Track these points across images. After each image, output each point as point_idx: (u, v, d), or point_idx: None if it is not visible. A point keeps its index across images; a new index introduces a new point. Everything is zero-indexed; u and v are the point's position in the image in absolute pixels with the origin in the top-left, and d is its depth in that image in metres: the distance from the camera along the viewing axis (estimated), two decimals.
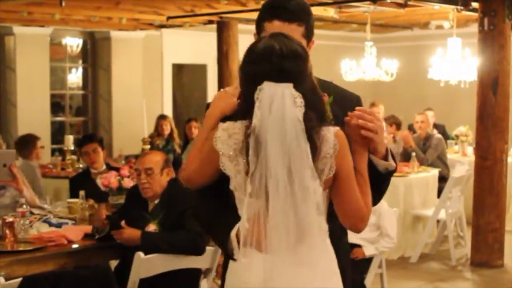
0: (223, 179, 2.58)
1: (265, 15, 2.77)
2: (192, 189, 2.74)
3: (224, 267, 2.79)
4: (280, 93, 2.44)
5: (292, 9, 2.74)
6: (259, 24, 2.79)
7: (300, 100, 2.45)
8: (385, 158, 2.74)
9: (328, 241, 2.58)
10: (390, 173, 2.79)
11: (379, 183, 2.74)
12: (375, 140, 2.64)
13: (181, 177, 2.77)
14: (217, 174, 2.59)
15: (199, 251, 4.74)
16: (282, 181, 2.40)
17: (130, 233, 4.75)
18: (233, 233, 2.57)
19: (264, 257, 2.45)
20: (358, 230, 2.65)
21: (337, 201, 2.57)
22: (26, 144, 8.38)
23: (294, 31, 2.71)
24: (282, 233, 2.43)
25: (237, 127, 2.52)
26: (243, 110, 2.53)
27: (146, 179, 4.98)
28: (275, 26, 2.71)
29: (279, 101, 2.43)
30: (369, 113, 2.64)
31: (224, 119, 2.67)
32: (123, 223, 4.77)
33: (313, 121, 2.47)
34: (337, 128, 2.55)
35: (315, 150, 2.46)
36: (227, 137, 2.52)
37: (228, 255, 2.61)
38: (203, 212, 2.80)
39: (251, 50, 2.54)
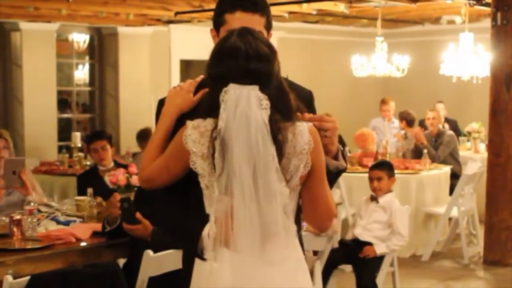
0: (184, 178, 2.59)
1: (227, 6, 2.73)
2: (148, 190, 2.72)
3: (186, 267, 2.75)
4: (246, 95, 2.44)
5: (255, 0, 2.72)
6: (220, 17, 2.74)
7: (266, 102, 2.45)
8: (336, 157, 2.77)
9: (296, 240, 2.58)
10: (339, 172, 2.82)
11: (328, 182, 2.72)
12: (326, 142, 2.67)
13: (140, 177, 2.73)
14: (182, 173, 2.59)
15: None
16: (247, 184, 2.41)
17: (141, 229, 4.73)
18: (205, 232, 2.54)
19: (231, 255, 2.46)
20: (324, 229, 2.68)
21: (309, 198, 2.58)
22: (146, 137, 8.58)
23: (256, 22, 2.70)
24: (247, 234, 2.45)
25: (208, 124, 2.50)
26: (209, 108, 2.52)
27: None
28: (237, 17, 2.69)
29: (245, 104, 2.43)
30: (318, 118, 2.67)
31: (182, 116, 2.66)
32: (138, 215, 4.74)
33: (279, 122, 2.48)
34: (311, 124, 2.57)
35: (281, 152, 2.47)
36: (198, 135, 2.50)
37: (197, 255, 2.59)
38: (166, 213, 2.76)
39: (217, 50, 2.53)
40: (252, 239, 2.45)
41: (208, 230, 2.51)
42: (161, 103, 2.80)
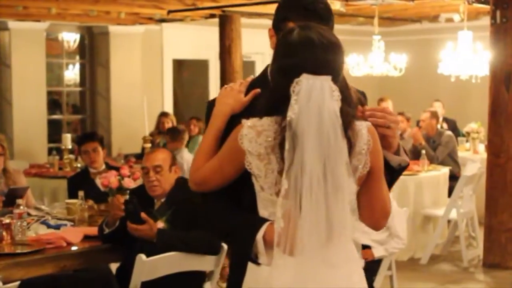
0: (235, 181, 2.59)
1: (292, 14, 2.73)
2: (199, 193, 2.72)
3: (234, 271, 2.79)
4: (319, 85, 2.42)
5: (322, 13, 2.72)
6: (282, 22, 2.74)
7: (337, 94, 2.44)
8: (397, 152, 2.77)
9: (351, 241, 2.59)
10: (402, 169, 2.82)
11: (392, 179, 2.76)
12: (389, 134, 2.68)
13: (192, 180, 2.70)
14: (236, 174, 2.58)
15: (216, 251, 4.78)
16: (316, 177, 2.39)
17: (147, 229, 4.71)
18: (259, 236, 2.53)
19: (295, 259, 2.44)
20: (379, 228, 2.68)
21: (367, 198, 2.58)
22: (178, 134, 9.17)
23: None
24: (313, 233, 2.42)
25: (265, 123, 2.49)
26: (272, 105, 2.50)
27: (155, 177, 4.99)
28: None
29: (318, 94, 2.41)
30: (380, 110, 2.68)
31: (234, 116, 2.67)
32: (143, 215, 4.73)
33: (349, 116, 2.48)
34: (369, 123, 2.58)
35: (350, 147, 2.47)
36: (255, 134, 2.48)
37: (252, 260, 2.58)
38: (216, 217, 2.75)
39: (287, 42, 2.50)
40: (318, 239, 2.43)
41: (263, 234, 2.52)
42: (211, 104, 2.81)
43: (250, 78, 2.84)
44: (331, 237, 2.45)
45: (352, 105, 2.52)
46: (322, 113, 2.39)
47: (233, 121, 2.67)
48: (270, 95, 2.55)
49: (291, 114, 2.40)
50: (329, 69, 2.45)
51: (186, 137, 9.72)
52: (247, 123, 2.51)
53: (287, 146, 2.40)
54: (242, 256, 2.69)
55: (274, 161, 2.47)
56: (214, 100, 2.83)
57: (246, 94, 2.76)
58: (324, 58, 2.45)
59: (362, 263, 2.62)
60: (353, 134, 2.49)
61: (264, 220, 2.55)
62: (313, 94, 2.41)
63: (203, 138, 2.72)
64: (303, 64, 2.44)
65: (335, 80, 2.46)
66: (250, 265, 2.61)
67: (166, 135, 9.57)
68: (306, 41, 2.46)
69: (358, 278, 2.58)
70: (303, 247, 2.42)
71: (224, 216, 2.70)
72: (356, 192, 2.52)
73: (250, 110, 2.67)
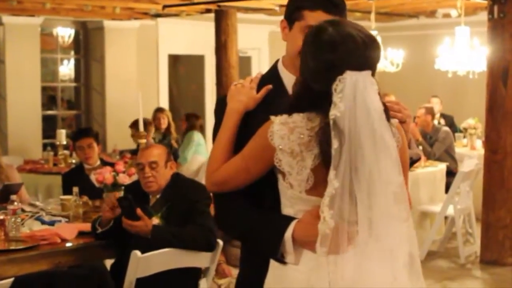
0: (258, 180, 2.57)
1: (307, 2, 2.71)
2: (214, 194, 2.70)
3: (246, 269, 2.80)
4: (362, 81, 2.40)
5: (337, 2, 2.73)
6: (297, 11, 2.72)
7: (376, 88, 2.44)
8: (409, 146, 2.78)
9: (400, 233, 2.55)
10: (414, 162, 2.85)
11: None
12: (405, 128, 2.68)
13: (212, 181, 2.65)
14: (263, 173, 2.55)
15: (211, 247, 4.78)
16: (373, 175, 2.38)
17: (142, 225, 4.71)
18: (288, 234, 2.50)
19: (354, 256, 2.42)
20: None
21: None
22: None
23: None
24: (363, 229, 2.40)
25: (297, 120, 2.47)
26: (304, 102, 2.48)
27: (151, 173, 4.98)
28: (317, 16, 2.65)
29: (363, 91, 2.39)
30: (395, 103, 2.71)
31: (248, 113, 2.67)
32: (138, 211, 4.72)
33: (388, 111, 2.49)
34: (396, 120, 2.58)
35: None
36: (287, 131, 2.46)
37: (278, 259, 2.54)
38: (237, 216, 2.70)
39: (325, 39, 2.45)
40: (364, 237, 2.41)
41: (292, 232, 2.48)
42: (222, 101, 2.79)
43: (260, 74, 2.82)
44: (377, 233, 2.42)
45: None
46: (369, 110, 2.38)
47: (247, 118, 2.68)
48: (302, 92, 2.52)
49: (335, 112, 2.37)
50: (370, 65, 2.45)
51: (152, 129, 9.78)
52: (277, 119, 2.49)
53: (335, 145, 2.37)
54: (255, 254, 2.68)
55: (307, 158, 2.45)
56: (224, 96, 2.80)
57: (257, 90, 2.74)
58: (365, 54, 2.44)
59: (406, 259, 2.58)
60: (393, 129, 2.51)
61: (291, 218, 2.52)
62: (358, 92, 2.39)
63: (218, 137, 2.69)
64: (347, 60, 2.42)
65: (373, 74, 2.46)
66: (273, 265, 2.57)
67: (131, 127, 9.51)
68: (348, 37, 2.44)
69: (401, 276, 2.54)
70: (362, 243, 2.41)
71: (246, 215, 2.67)
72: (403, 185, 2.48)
73: (263, 107, 2.67)
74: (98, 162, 6.94)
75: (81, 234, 5.01)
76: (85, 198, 5.97)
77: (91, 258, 5.08)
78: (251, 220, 2.64)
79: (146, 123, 9.36)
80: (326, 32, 2.47)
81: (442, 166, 9.23)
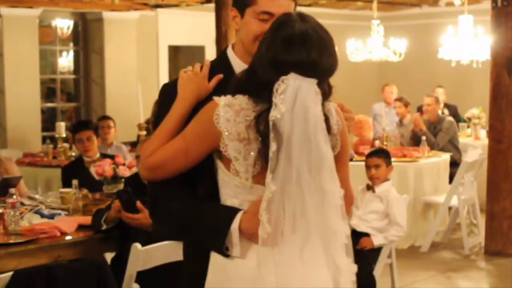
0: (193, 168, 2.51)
1: None
2: (151, 181, 2.62)
3: (190, 266, 2.73)
4: (306, 88, 2.37)
5: None
6: (249, 1, 2.63)
7: (320, 98, 2.40)
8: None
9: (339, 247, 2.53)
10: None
11: None
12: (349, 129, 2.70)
13: (145, 165, 2.56)
14: (201, 157, 2.50)
15: None
16: (304, 179, 2.35)
17: (142, 218, 4.70)
18: (235, 225, 2.45)
19: (273, 254, 2.41)
20: (346, 215, 2.65)
21: None
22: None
23: (287, 6, 2.62)
24: (298, 235, 2.40)
25: (243, 102, 2.44)
26: (248, 88, 2.46)
27: None
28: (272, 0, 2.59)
29: (305, 97, 2.36)
30: (340, 106, 2.66)
31: (198, 103, 2.60)
32: (138, 204, 4.71)
33: (328, 120, 2.46)
34: (335, 104, 2.56)
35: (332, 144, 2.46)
36: (233, 114, 2.43)
37: (221, 252, 2.48)
38: (175, 207, 2.60)
39: (285, 36, 2.42)
40: (301, 241, 2.40)
41: (238, 224, 2.44)
42: (168, 88, 2.73)
43: (208, 61, 2.75)
44: (313, 238, 2.41)
45: (326, 98, 2.50)
46: (308, 116, 2.36)
47: (196, 107, 2.60)
48: (248, 78, 2.49)
49: (276, 114, 2.35)
50: (319, 72, 2.41)
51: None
52: (222, 101, 2.45)
53: (273, 147, 2.35)
54: (199, 249, 2.60)
55: (254, 141, 2.42)
56: (170, 83, 2.74)
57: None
58: (317, 61, 2.40)
59: (353, 268, 2.54)
60: (332, 138, 2.48)
61: (237, 209, 2.47)
62: (299, 96, 2.36)
63: (162, 125, 2.60)
64: (297, 63, 2.39)
65: (321, 83, 2.42)
66: (214, 261, 2.52)
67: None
68: (306, 39, 2.41)
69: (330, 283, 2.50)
70: (286, 246, 2.39)
71: (186, 206, 2.58)
72: (342, 197, 2.45)
73: (213, 96, 2.57)
74: (98, 155, 6.94)
75: (81, 227, 5.00)
76: (85, 191, 5.96)
77: (91, 251, 5.07)
78: (192, 212, 2.56)
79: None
80: (289, 27, 2.43)
81: (446, 157, 9.22)
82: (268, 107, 2.39)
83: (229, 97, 2.46)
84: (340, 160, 2.54)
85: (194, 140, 2.49)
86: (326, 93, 2.47)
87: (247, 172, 2.44)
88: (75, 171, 6.60)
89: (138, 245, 4.49)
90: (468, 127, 11.42)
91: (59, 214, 5.37)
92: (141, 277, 4.58)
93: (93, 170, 6.39)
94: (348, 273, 2.50)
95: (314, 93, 2.39)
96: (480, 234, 8.60)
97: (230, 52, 2.76)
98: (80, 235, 4.89)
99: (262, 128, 2.39)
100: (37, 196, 6.11)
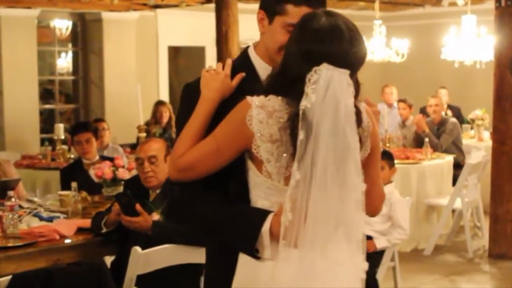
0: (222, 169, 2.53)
1: None
2: (180, 182, 2.61)
3: (212, 267, 2.76)
4: (338, 79, 2.40)
5: None
6: (279, 4, 2.66)
7: (352, 90, 2.43)
8: None
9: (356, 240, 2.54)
10: None
11: None
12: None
13: (176, 166, 2.58)
14: (233, 158, 2.51)
15: None
16: (328, 172, 2.37)
17: (142, 221, 4.69)
18: (266, 228, 2.46)
19: (298, 253, 2.41)
20: (377, 214, 2.67)
21: (367, 183, 2.53)
22: None
23: None
24: (319, 228, 2.40)
25: (276, 103, 2.45)
26: (280, 86, 2.48)
27: (150, 168, 4.97)
28: (302, 12, 2.60)
29: (336, 87, 2.39)
30: (365, 101, 2.68)
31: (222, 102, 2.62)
32: (138, 207, 4.71)
33: (359, 114, 2.48)
34: (365, 104, 2.58)
35: (360, 143, 2.48)
36: (266, 115, 2.43)
37: (252, 254, 2.50)
38: (205, 209, 2.62)
39: (315, 28, 2.46)
40: (323, 234, 2.40)
41: (269, 227, 2.45)
42: (190, 87, 2.75)
43: (230, 61, 2.76)
44: (336, 234, 2.43)
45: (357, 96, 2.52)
46: (339, 107, 2.38)
47: (220, 106, 2.63)
48: (280, 75, 2.51)
49: (306, 103, 2.37)
50: (350, 63, 2.45)
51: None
52: (255, 102, 2.46)
53: (301, 136, 2.37)
54: (221, 250, 2.64)
55: (287, 143, 2.43)
56: (192, 83, 2.76)
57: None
58: (349, 52, 2.44)
59: (364, 265, 2.56)
60: (362, 131, 2.50)
61: (267, 212, 2.49)
62: (331, 86, 2.39)
63: (189, 124, 2.61)
64: (329, 53, 2.42)
65: (352, 75, 2.45)
66: (243, 262, 2.54)
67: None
68: (336, 30, 2.45)
69: (355, 278, 2.52)
70: (308, 241, 2.39)
71: (216, 208, 2.60)
72: (364, 192, 2.47)
73: (237, 95, 2.62)
74: (97, 157, 6.94)
75: (80, 230, 5.00)
76: (84, 194, 5.96)
77: (91, 255, 5.07)
78: (223, 213, 2.58)
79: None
80: (318, 21, 2.47)
81: (449, 158, 9.21)
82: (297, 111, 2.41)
83: (261, 97, 2.47)
84: (372, 161, 2.59)
85: (225, 141, 2.50)
86: (356, 87, 2.50)
87: (279, 174, 2.46)
88: (74, 174, 6.59)
89: (138, 249, 4.49)
90: (472, 128, 11.42)
91: (58, 217, 5.37)
92: (141, 281, 4.58)
93: (92, 172, 6.40)
94: (360, 270, 2.52)
95: (346, 84, 2.41)
96: (484, 237, 8.59)
97: (251, 52, 2.79)
98: (80, 239, 4.89)
99: (296, 129, 2.41)
100: (35, 199, 6.11)
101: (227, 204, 2.60)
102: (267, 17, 2.70)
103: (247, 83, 2.68)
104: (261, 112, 2.44)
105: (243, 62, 2.78)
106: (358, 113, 2.46)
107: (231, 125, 2.50)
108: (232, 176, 2.57)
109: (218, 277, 2.71)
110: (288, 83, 2.45)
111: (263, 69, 2.72)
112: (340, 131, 2.37)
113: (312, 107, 2.36)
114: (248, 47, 2.81)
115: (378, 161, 2.63)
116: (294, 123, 2.40)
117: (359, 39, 2.49)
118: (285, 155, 2.43)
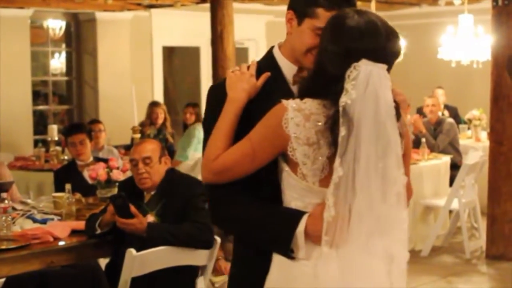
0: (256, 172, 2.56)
1: (323, 0, 2.65)
2: (212, 184, 2.64)
3: (239, 266, 2.79)
4: (377, 73, 2.44)
5: (353, 2, 2.70)
6: (310, 7, 2.66)
7: (389, 84, 2.47)
8: None
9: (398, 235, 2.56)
10: None
11: None
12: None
13: (210, 169, 2.60)
14: (268, 161, 2.54)
15: (208, 244, 4.77)
16: (371, 167, 2.39)
17: (136, 223, 4.69)
18: (301, 229, 2.49)
19: (340, 252, 2.43)
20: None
21: None
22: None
23: None
24: (363, 224, 2.42)
25: (313, 106, 2.47)
26: (317, 87, 2.49)
27: (145, 169, 4.96)
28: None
29: (376, 82, 2.42)
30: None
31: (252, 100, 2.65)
32: (133, 209, 4.70)
33: (398, 108, 2.50)
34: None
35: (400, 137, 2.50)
36: (303, 118, 2.45)
37: (286, 255, 2.52)
38: (238, 210, 2.64)
39: (350, 25, 2.48)
40: (366, 230, 2.42)
41: (305, 227, 2.47)
42: (216, 89, 2.78)
43: (255, 61, 2.80)
44: (378, 228, 2.45)
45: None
46: (379, 102, 2.41)
47: (247, 106, 2.66)
48: (316, 77, 2.53)
49: (346, 99, 2.39)
50: (388, 59, 2.49)
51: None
52: (291, 105, 2.48)
53: (343, 132, 2.39)
54: (251, 253, 2.66)
55: (324, 146, 2.45)
56: (217, 85, 2.79)
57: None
58: (386, 47, 2.49)
59: (407, 256, 2.59)
60: (401, 125, 2.53)
61: (302, 212, 2.51)
62: (370, 81, 2.41)
63: (218, 125, 2.64)
64: (369, 49, 2.45)
65: (388, 68, 2.50)
66: (278, 261, 2.56)
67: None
68: (373, 26, 2.48)
69: (399, 275, 2.56)
70: (352, 236, 2.42)
71: (249, 209, 2.63)
72: (405, 185, 2.50)
73: (263, 94, 2.67)
74: (91, 158, 6.94)
75: (74, 232, 5.00)
76: (78, 196, 5.96)
77: (85, 257, 5.07)
78: (256, 214, 2.61)
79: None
80: (352, 18, 2.49)
81: (446, 159, 9.23)
82: (338, 108, 2.43)
83: (297, 100, 2.49)
84: (406, 161, 2.59)
85: (261, 144, 2.52)
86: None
87: (315, 176, 2.48)
88: (68, 175, 6.58)
89: (132, 251, 4.50)
90: (469, 128, 11.43)
91: (52, 219, 5.37)
92: (136, 283, 4.58)
93: (86, 174, 6.39)
94: (403, 260, 2.55)
95: (384, 78, 2.45)
96: (481, 237, 8.60)
97: (276, 52, 2.80)
98: (73, 241, 4.89)
99: (336, 127, 2.42)
100: (29, 201, 6.11)
101: (260, 205, 2.62)
102: (296, 18, 2.71)
103: (272, 83, 2.71)
104: (298, 115, 2.45)
105: (268, 62, 2.80)
106: (397, 107, 2.48)
107: (267, 128, 2.52)
108: (264, 177, 2.58)
109: (244, 278, 2.74)
110: (325, 84, 2.47)
111: (289, 69, 2.74)
112: (381, 125, 2.40)
113: (353, 103, 2.39)
114: (273, 47, 2.83)
115: (408, 163, 2.65)
116: (334, 122, 2.42)
117: (395, 33, 2.54)
118: (320, 158, 2.46)
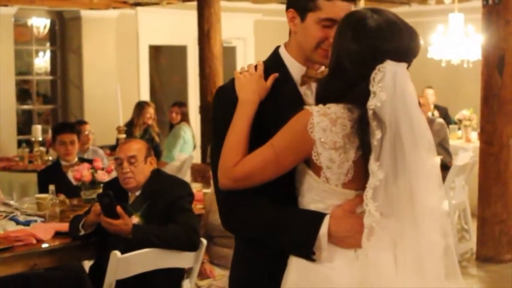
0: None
1: None
2: (226, 190, 2.62)
3: (239, 268, 2.78)
4: (401, 73, 2.47)
5: None
6: (311, 2, 2.65)
7: (410, 81, 2.51)
8: None
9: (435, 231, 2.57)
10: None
11: None
12: None
13: (231, 176, 2.57)
14: (292, 166, 2.54)
15: (194, 246, 4.75)
16: (413, 163, 2.42)
17: (122, 224, 4.67)
18: (323, 230, 2.49)
19: (357, 253, 2.47)
20: None
21: None
22: None
23: (351, 9, 2.67)
24: (406, 224, 2.45)
25: (338, 111, 2.47)
26: (337, 91, 2.50)
27: (129, 168, 4.95)
28: (335, 5, 2.62)
29: (402, 83, 2.46)
30: None
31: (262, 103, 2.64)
32: (119, 209, 4.67)
33: (420, 105, 2.54)
34: None
35: None
36: (329, 123, 2.45)
37: (307, 257, 2.53)
38: (257, 213, 2.63)
39: (374, 26, 2.48)
40: (408, 229, 2.45)
41: (327, 229, 2.49)
42: (225, 90, 2.74)
43: (261, 62, 2.78)
44: (417, 225, 2.46)
45: None
46: (407, 100, 2.45)
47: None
48: (335, 80, 2.53)
49: (375, 102, 2.41)
50: (409, 57, 2.52)
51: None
52: (316, 110, 2.48)
53: (378, 135, 2.40)
54: (260, 254, 2.66)
55: (350, 150, 2.46)
56: (226, 86, 2.76)
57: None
58: (410, 45, 2.51)
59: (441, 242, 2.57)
60: None
61: (323, 214, 2.52)
62: (397, 83, 2.44)
63: (233, 129, 2.61)
64: (393, 49, 2.47)
65: (408, 67, 2.53)
66: (296, 263, 2.56)
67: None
68: (395, 26, 2.50)
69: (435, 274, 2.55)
70: (395, 237, 2.45)
71: (268, 212, 2.62)
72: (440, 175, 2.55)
73: (272, 95, 2.66)
74: (76, 159, 6.92)
75: (58, 234, 4.99)
76: (62, 197, 5.94)
77: (69, 259, 5.07)
78: (276, 217, 2.61)
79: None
80: (371, 18, 2.50)
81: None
82: (364, 111, 2.45)
83: (321, 106, 2.50)
84: None
85: (285, 150, 2.52)
86: None
87: (339, 179, 2.49)
88: (52, 176, 6.57)
89: (117, 253, 4.48)
90: (459, 129, 11.45)
91: (35, 221, 5.36)
92: (120, 286, 4.57)
93: (70, 175, 6.37)
94: (437, 248, 2.52)
95: (408, 77, 2.50)
96: (471, 239, 8.62)
97: (283, 52, 2.79)
98: (57, 243, 4.88)
99: (366, 131, 2.45)
100: (12, 202, 6.08)
101: (279, 208, 2.62)
102: (299, 15, 2.70)
103: (280, 83, 2.70)
104: (324, 120, 2.46)
105: (274, 63, 2.78)
106: (419, 104, 2.52)
107: (291, 134, 2.51)
108: (279, 180, 2.57)
109: (248, 281, 2.74)
110: (346, 86, 2.48)
111: (296, 69, 2.73)
112: (415, 123, 2.44)
113: (382, 105, 2.41)
114: (278, 47, 2.82)
115: None
116: (361, 125, 2.44)
117: (416, 32, 2.55)
118: (347, 162, 2.47)
